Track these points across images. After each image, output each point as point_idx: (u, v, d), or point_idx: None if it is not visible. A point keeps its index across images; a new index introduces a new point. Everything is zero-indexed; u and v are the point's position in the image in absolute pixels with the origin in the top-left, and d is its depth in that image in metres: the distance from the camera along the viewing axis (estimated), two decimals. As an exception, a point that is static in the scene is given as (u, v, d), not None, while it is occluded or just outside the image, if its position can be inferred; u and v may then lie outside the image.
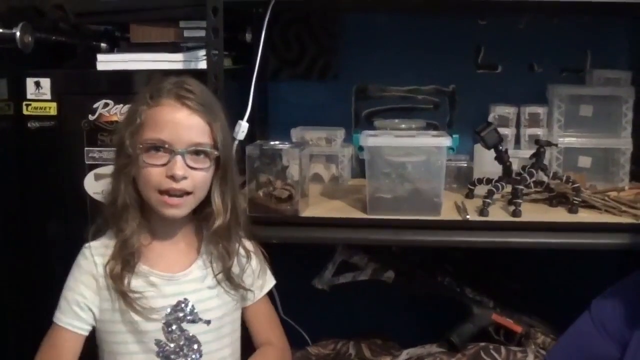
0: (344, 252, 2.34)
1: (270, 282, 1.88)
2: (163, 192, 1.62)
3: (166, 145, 1.61)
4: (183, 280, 1.72)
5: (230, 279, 1.75)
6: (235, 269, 1.77)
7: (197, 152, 1.64)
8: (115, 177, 1.68)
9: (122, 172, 1.65)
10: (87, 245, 1.71)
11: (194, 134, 1.64)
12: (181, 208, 1.66)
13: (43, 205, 2.23)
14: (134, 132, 1.63)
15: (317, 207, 2.16)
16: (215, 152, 1.66)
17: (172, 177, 1.60)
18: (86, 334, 1.69)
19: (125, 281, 1.65)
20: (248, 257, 1.80)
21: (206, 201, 1.71)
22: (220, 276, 1.74)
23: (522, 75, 2.60)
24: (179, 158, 1.61)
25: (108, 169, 2.10)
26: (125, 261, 1.65)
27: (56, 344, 1.68)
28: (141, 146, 1.62)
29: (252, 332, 1.86)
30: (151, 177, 1.62)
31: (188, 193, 1.64)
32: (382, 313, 2.60)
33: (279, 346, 1.87)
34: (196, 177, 1.64)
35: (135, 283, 1.67)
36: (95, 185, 2.17)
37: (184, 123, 1.63)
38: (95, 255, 1.69)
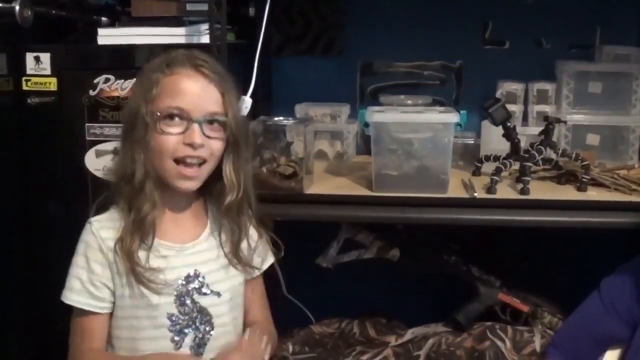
0: (348, 230, 2.32)
1: (269, 259, 1.87)
2: (179, 161, 1.62)
3: (184, 114, 1.61)
4: (193, 250, 1.71)
5: (237, 254, 1.74)
6: (244, 248, 1.76)
7: (211, 121, 1.64)
8: (128, 150, 1.65)
9: (139, 144, 1.62)
10: (90, 220, 1.69)
11: (210, 102, 1.64)
12: (196, 180, 1.66)
13: (43, 182, 2.21)
14: (150, 101, 1.62)
15: (321, 184, 2.14)
16: (231, 121, 1.66)
17: (190, 145, 1.61)
18: (108, 311, 1.68)
19: (136, 256, 1.63)
20: (259, 238, 1.80)
21: (214, 176, 1.70)
22: (228, 250, 1.74)
23: (530, 51, 2.57)
24: (196, 126, 1.62)
25: (109, 145, 2.09)
26: (143, 238, 1.64)
27: (84, 328, 1.68)
28: (159, 114, 1.61)
29: (245, 308, 1.85)
30: (168, 145, 1.61)
31: (203, 162, 1.65)
32: (387, 292, 2.58)
33: (270, 326, 1.89)
34: (213, 145, 1.65)
35: (146, 257, 1.65)
36: (96, 162, 2.15)
37: (201, 91, 1.64)
38: (100, 230, 1.66)
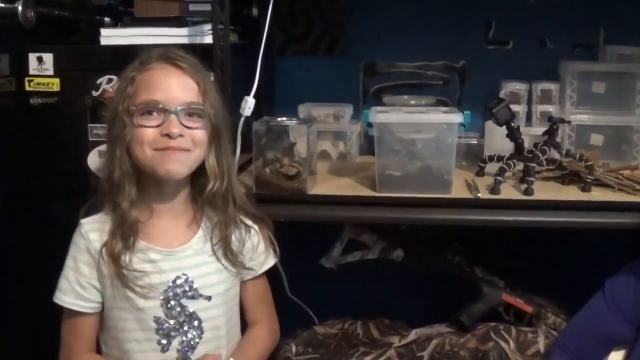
0: (352, 230, 2.32)
1: (270, 260, 1.86)
2: (160, 150, 1.62)
3: (160, 106, 1.61)
4: (182, 255, 1.70)
5: (229, 253, 1.74)
6: (234, 243, 1.75)
7: (190, 113, 1.64)
8: (109, 149, 1.67)
9: (117, 141, 1.63)
10: (80, 222, 1.70)
11: (185, 93, 1.64)
12: (180, 163, 1.64)
13: (45, 182, 2.21)
14: (127, 99, 1.63)
15: (324, 184, 2.13)
16: (209, 109, 1.66)
17: (168, 135, 1.60)
18: (96, 311, 1.69)
19: (123, 259, 1.63)
20: (247, 231, 1.79)
21: (202, 171, 1.70)
22: (219, 249, 1.73)
23: (533, 51, 2.56)
24: (173, 117, 1.61)
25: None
26: (124, 238, 1.64)
27: (75, 328, 1.70)
28: (134, 108, 1.61)
29: (245, 307, 1.85)
30: (147, 137, 1.61)
31: (187, 151, 1.63)
32: (390, 292, 2.58)
33: (269, 327, 1.88)
34: (195, 134, 1.64)
35: (134, 260, 1.65)
36: (98, 162, 2.14)
37: (175, 83, 1.64)
38: (89, 232, 1.67)
